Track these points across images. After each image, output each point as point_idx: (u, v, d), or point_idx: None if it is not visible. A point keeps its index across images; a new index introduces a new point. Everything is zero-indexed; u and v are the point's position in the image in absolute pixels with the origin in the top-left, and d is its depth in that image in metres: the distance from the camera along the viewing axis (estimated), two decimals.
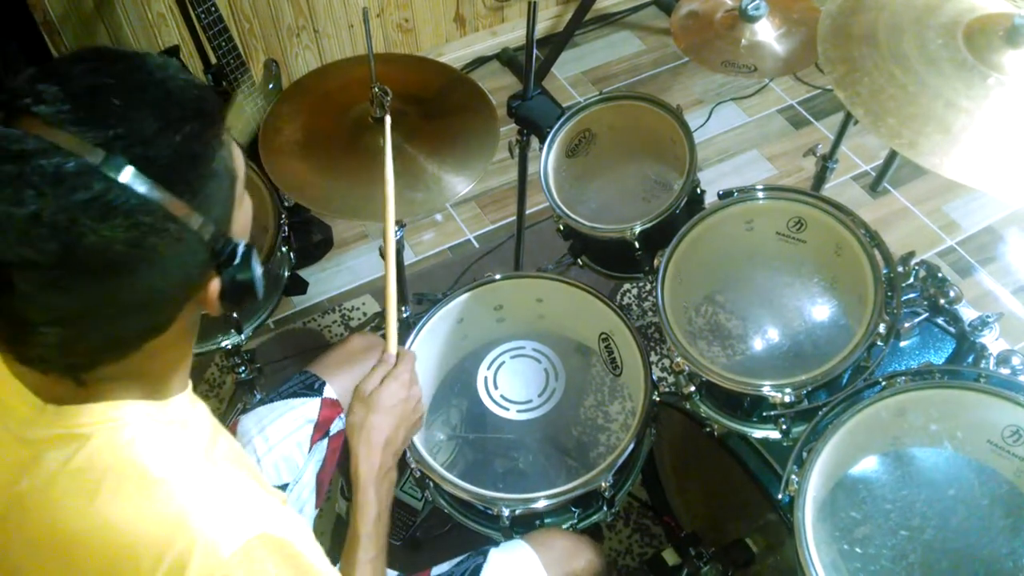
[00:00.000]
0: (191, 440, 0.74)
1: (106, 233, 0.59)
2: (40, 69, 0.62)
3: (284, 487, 1.22)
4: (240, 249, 0.68)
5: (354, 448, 1.00)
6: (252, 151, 1.41)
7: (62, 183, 0.58)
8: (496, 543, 1.20)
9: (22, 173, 0.57)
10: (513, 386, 1.37)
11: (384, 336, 1.10)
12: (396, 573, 1.15)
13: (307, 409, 1.27)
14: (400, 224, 1.48)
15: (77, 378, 0.68)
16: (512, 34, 2.73)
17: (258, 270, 0.71)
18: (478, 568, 1.14)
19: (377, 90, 1.32)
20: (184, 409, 0.76)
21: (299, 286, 2.10)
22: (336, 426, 1.28)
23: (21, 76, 0.62)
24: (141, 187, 0.60)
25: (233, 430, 1.23)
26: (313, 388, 1.29)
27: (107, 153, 0.59)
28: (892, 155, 2.11)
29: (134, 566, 0.66)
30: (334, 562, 1.00)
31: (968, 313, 1.25)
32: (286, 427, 1.24)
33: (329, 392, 1.29)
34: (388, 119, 1.21)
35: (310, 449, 1.25)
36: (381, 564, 0.99)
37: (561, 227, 1.50)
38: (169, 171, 0.62)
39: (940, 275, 1.29)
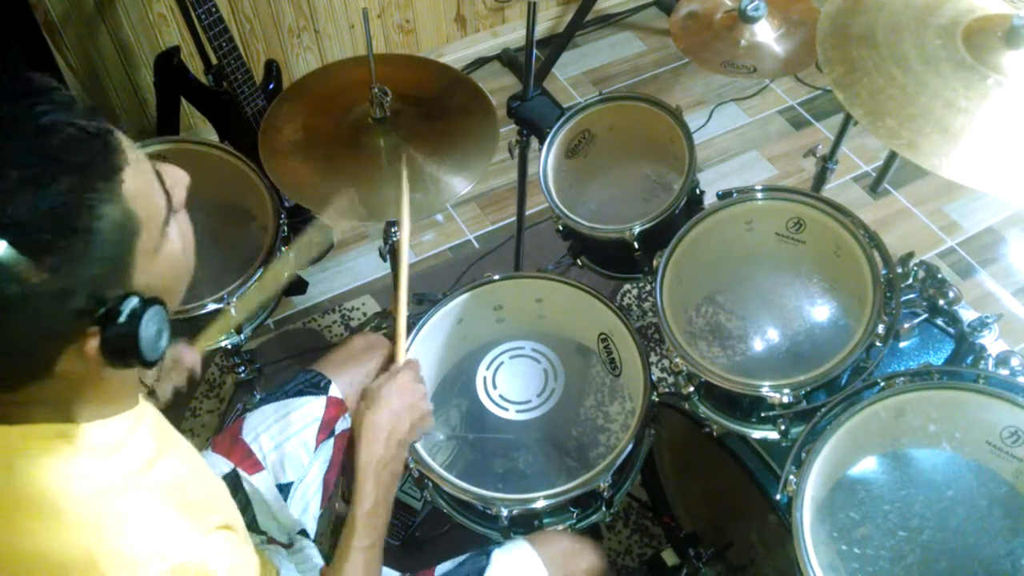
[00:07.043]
0: (116, 467, 0.71)
1: None
2: None
3: (288, 486, 1.21)
4: (128, 307, 0.63)
5: (356, 440, 1.04)
6: (253, 151, 1.41)
7: None
8: (496, 543, 1.21)
9: None
10: (512, 386, 1.38)
11: (387, 336, 1.10)
12: (397, 573, 1.15)
13: (313, 407, 1.27)
14: (399, 225, 1.48)
15: None
16: (513, 35, 2.73)
17: (148, 328, 0.65)
18: (481, 569, 1.14)
19: (377, 91, 1.32)
20: (118, 432, 0.73)
21: (299, 286, 2.11)
22: (341, 425, 1.28)
23: None
24: None
25: (238, 428, 1.23)
26: (319, 386, 1.29)
27: None
28: (892, 156, 2.10)
29: None
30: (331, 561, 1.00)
31: (967, 314, 1.25)
32: (292, 426, 1.24)
33: (334, 391, 1.29)
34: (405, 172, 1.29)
35: (316, 448, 1.25)
36: (375, 554, 0.99)
37: (561, 227, 1.50)
38: (21, 230, 0.57)
39: (939, 276, 1.29)
